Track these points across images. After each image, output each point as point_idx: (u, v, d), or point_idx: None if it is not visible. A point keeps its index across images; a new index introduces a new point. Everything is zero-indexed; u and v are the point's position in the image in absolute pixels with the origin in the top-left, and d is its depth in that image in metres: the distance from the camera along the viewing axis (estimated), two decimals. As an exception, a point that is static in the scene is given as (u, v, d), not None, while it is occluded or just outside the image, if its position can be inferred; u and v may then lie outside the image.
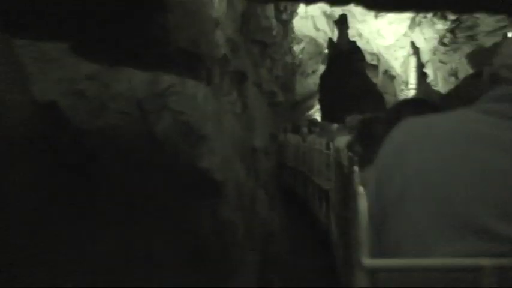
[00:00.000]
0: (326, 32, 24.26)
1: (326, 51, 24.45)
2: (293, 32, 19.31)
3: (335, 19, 20.82)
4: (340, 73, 15.32)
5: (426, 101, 1.92)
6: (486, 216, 0.79)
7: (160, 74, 2.88)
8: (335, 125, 7.30)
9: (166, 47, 2.91)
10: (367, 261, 0.84)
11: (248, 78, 5.07)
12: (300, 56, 32.09)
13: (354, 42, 18.22)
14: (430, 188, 0.85)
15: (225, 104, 4.20)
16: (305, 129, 9.62)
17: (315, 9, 22.50)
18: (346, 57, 15.96)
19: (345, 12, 19.16)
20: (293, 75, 19.28)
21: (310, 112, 34.81)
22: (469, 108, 0.94)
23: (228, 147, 3.46)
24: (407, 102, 2.15)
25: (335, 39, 19.47)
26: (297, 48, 30.75)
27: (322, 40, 26.24)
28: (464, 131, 0.90)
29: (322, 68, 30.24)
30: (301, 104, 34.54)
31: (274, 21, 9.43)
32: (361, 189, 0.96)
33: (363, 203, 0.91)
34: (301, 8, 22.25)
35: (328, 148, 5.76)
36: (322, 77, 18.64)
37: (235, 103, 4.59)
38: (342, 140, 4.65)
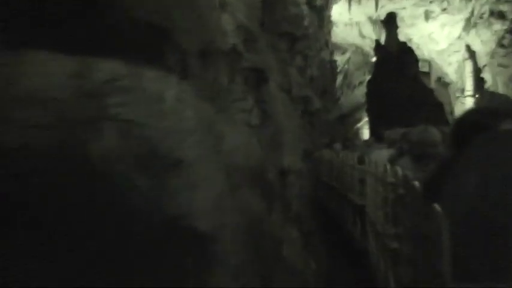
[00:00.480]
0: (373, 39, 22.77)
1: (373, 58, 23.08)
2: (330, 22, 17.14)
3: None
4: (390, 78, 13.49)
5: (497, 109, 1.62)
6: None
7: (95, 60, 1.72)
8: (371, 139, 7.16)
9: (110, 16, 1.74)
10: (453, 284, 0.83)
11: (270, 79, 3.84)
12: (346, 67, 30.90)
13: (404, 43, 16.49)
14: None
15: (233, 111, 3.00)
16: (338, 145, 9.24)
17: (360, 14, 21.14)
18: (396, 60, 14.13)
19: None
20: (332, 75, 16.36)
21: (359, 125, 33.75)
22: None
23: (223, 178, 2.23)
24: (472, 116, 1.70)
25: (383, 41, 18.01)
26: (342, 58, 29.68)
27: (369, 48, 24.72)
28: None
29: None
30: (348, 117, 33.26)
31: (305, 8, 7.93)
32: (437, 207, 0.94)
33: (442, 225, 0.89)
34: (345, 15, 20.97)
35: (361, 162, 5.46)
36: (370, 83, 16.90)
37: (251, 111, 3.38)
38: (381, 154, 4.40)
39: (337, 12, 20.94)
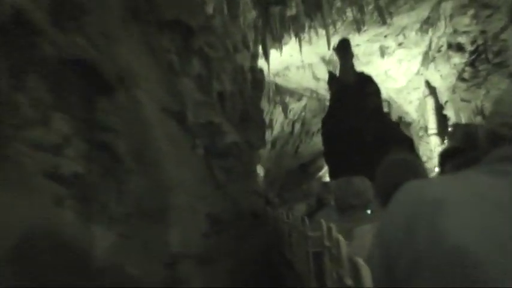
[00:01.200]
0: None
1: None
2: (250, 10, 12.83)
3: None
4: (349, 113, 11.54)
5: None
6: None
7: None
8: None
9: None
10: None
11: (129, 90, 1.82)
12: (303, 114, 29.60)
13: (361, 73, 14.66)
14: (446, 263, 0.77)
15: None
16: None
17: (312, 55, 19.67)
18: (354, 93, 12.22)
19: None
20: (257, 91, 11.04)
21: (321, 173, 32.61)
22: (473, 170, 0.90)
23: None
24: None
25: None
26: (298, 105, 28.31)
27: (324, 91, 23.27)
28: (478, 196, 0.81)
29: None
30: (309, 166, 32.00)
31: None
32: (361, 261, 0.95)
33: (367, 277, 0.91)
34: (297, 56, 19.49)
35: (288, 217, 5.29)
36: (325, 122, 14.96)
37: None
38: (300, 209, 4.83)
39: (288, 54, 19.50)
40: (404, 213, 0.87)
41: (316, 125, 29.16)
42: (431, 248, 0.79)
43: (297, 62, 20.20)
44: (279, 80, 23.23)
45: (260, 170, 18.85)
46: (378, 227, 0.95)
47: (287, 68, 21.13)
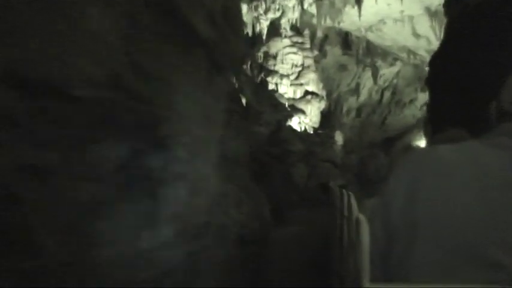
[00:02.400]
0: (430, 39, 17.75)
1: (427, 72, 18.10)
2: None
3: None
4: (472, 53, 8.22)
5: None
6: (495, 249, 0.82)
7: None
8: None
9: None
10: (368, 284, 0.86)
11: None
12: (395, 82, 26.18)
13: None
14: (441, 219, 0.88)
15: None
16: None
17: (414, 6, 16.21)
18: (482, 18, 8.83)
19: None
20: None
21: None
22: (478, 140, 0.98)
23: None
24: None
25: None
26: (390, 71, 25.00)
27: (424, 52, 19.65)
28: (475, 164, 0.92)
29: (422, 97, 24.42)
30: (396, 141, 28.87)
31: None
32: (362, 216, 0.96)
33: (364, 229, 0.93)
34: (396, 6, 16.14)
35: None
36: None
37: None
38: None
39: (385, 3, 16.23)
40: (406, 178, 0.97)
41: (409, 95, 25.68)
42: (429, 212, 0.89)
43: (395, 14, 16.86)
44: (371, 37, 19.99)
45: (339, 137, 16.07)
46: (384, 188, 1.05)
47: (382, 20, 17.84)
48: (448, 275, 0.83)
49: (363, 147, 26.05)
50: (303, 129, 16.09)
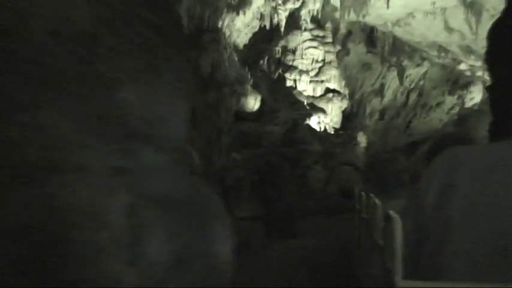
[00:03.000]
0: (464, 33, 16.13)
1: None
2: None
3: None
4: None
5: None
6: None
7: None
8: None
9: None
10: (402, 282, 0.92)
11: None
12: (421, 83, 24.67)
13: None
14: (477, 218, 0.88)
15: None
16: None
17: (448, -4, 14.67)
18: None
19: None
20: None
21: None
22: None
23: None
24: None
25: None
26: (417, 72, 23.54)
27: (457, 48, 18.06)
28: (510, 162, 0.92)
29: (450, 101, 23.59)
30: (419, 146, 26.96)
31: None
32: (395, 215, 1.01)
33: (398, 229, 0.97)
34: (427, -3, 14.62)
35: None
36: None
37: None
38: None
39: (415, -6, 14.78)
40: (440, 176, 0.98)
41: (436, 98, 24.18)
42: (464, 211, 0.89)
43: (425, 5, 15.35)
44: (399, 32, 18.47)
45: (362, 139, 14.64)
46: (417, 186, 1.06)
47: (411, 14, 16.34)
48: (482, 275, 0.81)
49: (385, 151, 24.63)
50: (322, 129, 14.69)
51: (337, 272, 5.03)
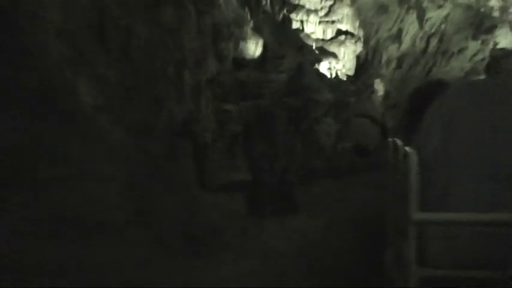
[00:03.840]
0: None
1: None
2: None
3: None
4: None
5: None
6: None
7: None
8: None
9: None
10: (415, 214, 1.00)
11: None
12: (443, 27, 21.91)
13: None
14: (483, 146, 1.02)
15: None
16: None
17: None
18: None
19: None
20: None
21: None
22: None
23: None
24: None
25: None
26: (438, 14, 21.20)
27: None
28: None
29: (473, 46, 21.43)
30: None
31: None
32: (411, 150, 1.08)
33: (413, 163, 1.04)
34: None
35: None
36: None
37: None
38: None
39: None
40: (444, 112, 1.12)
41: (458, 43, 21.86)
42: (470, 143, 1.00)
43: None
44: (420, -35, 16.19)
45: (379, 86, 12.57)
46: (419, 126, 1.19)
47: None
48: (491, 202, 0.93)
49: (404, 100, 22.68)
50: (333, 76, 12.61)
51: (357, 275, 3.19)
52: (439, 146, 1.06)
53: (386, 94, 13.26)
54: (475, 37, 22.26)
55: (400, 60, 22.30)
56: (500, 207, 0.93)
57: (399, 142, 1.90)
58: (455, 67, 23.51)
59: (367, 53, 19.69)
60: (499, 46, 22.23)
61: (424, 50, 22.62)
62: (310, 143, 9.18)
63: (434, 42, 22.43)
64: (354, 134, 10.00)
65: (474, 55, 22.11)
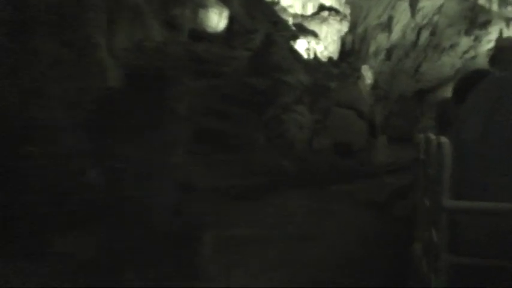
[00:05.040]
0: None
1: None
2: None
3: None
4: None
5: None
6: None
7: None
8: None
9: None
10: (448, 202, 0.96)
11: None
12: (436, 19, 20.74)
13: None
14: None
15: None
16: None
17: None
18: None
19: None
20: None
21: None
22: None
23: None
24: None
25: None
26: (431, 5, 20.06)
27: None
28: None
29: (465, 42, 20.34)
30: (427, 94, 24.52)
31: None
32: (445, 139, 1.03)
33: (447, 151, 0.99)
34: None
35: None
36: None
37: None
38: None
39: None
40: (484, 105, 0.98)
41: (450, 38, 20.75)
42: (505, 144, 0.91)
43: None
44: None
45: (367, 73, 10.23)
46: (459, 119, 1.11)
47: None
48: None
49: (392, 99, 20.97)
50: (311, 57, 10.18)
51: None
52: (477, 138, 0.92)
53: (376, 83, 10.96)
54: (468, 32, 20.80)
55: (390, 51, 20.58)
56: None
57: (432, 136, 1.66)
58: (446, 63, 22.40)
59: (353, 41, 17.52)
60: (492, 44, 21.56)
61: (415, 43, 21.93)
62: (275, 137, 6.78)
63: (425, 34, 21.89)
64: (334, 128, 7.65)
65: (465, 52, 20.96)
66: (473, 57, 21.83)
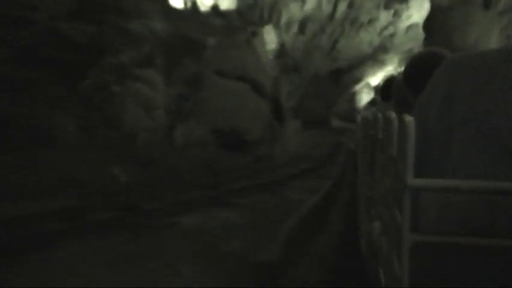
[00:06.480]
0: None
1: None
2: None
3: None
4: None
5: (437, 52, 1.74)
6: None
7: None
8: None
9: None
10: (412, 180, 0.89)
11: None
12: (352, -7, 18.77)
13: None
14: (480, 118, 0.90)
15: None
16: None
17: None
18: None
19: None
20: None
21: (357, 88, 24.41)
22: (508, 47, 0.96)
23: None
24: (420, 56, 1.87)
25: None
26: None
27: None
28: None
29: (384, 17, 19.61)
30: (343, 75, 23.05)
31: None
32: (409, 117, 0.98)
33: (411, 130, 0.95)
34: None
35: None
36: None
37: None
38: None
39: None
40: (444, 82, 0.98)
41: (369, 12, 19.66)
42: (467, 114, 0.89)
43: None
44: None
45: (270, 36, 7.43)
46: (420, 99, 1.06)
47: None
48: (484, 173, 0.84)
49: (305, 80, 18.84)
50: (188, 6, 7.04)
51: None
52: (438, 117, 0.91)
53: (283, 50, 8.19)
54: (387, 6, 19.29)
55: (303, 24, 18.07)
56: (494, 179, 0.80)
57: (392, 114, 1.45)
58: (364, 40, 21.41)
59: (261, 9, 14.67)
60: (412, 20, 19.74)
61: (331, 16, 19.28)
62: (99, 125, 3.74)
63: (342, 7, 20.10)
64: (214, 109, 4.76)
65: (384, 28, 20.41)
66: (392, 35, 20.37)
